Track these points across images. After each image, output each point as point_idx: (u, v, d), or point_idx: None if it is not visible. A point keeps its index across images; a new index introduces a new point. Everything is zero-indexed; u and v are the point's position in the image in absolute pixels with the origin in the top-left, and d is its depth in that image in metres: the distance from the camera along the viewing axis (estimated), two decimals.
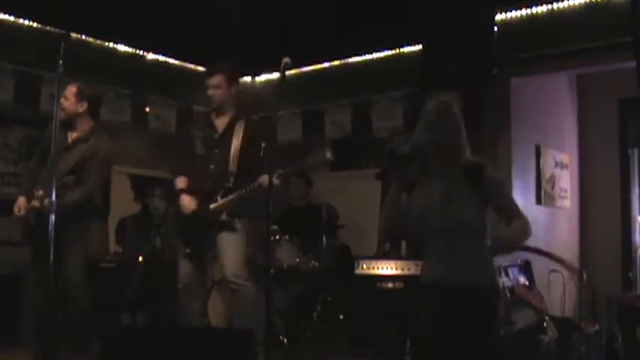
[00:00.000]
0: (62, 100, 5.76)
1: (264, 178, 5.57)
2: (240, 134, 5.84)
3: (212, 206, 5.71)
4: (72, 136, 5.91)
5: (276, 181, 5.32)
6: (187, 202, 5.77)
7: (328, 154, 5.38)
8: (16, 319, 6.20)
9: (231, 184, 5.73)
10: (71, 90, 5.86)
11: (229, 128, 5.88)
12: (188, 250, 5.87)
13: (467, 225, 3.73)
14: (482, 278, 3.74)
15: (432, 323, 3.74)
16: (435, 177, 3.86)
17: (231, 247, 5.70)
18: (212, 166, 5.80)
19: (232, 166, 5.77)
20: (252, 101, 9.62)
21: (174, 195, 6.01)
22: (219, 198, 5.71)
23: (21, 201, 5.81)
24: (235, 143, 5.81)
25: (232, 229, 5.72)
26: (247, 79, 10.08)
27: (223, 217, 5.72)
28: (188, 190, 5.84)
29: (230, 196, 5.69)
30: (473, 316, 3.64)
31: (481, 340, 3.67)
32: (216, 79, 5.84)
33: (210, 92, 5.86)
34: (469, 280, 3.68)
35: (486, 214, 3.81)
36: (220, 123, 5.93)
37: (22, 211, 5.76)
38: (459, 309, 3.64)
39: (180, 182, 5.92)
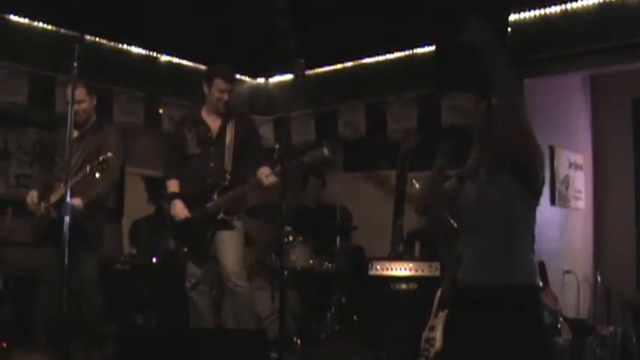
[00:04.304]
0: (77, 106, 5.80)
1: (261, 175, 5.61)
2: (233, 132, 5.88)
3: (208, 205, 5.71)
4: (75, 133, 5.94)
5: (273, 178, 5.38)
6: (179, 210, 5.79)
7: (326, 151, 5.38)
8: (30, 320, 6.22)
9: (226, 183, 5.75)
10: (81, 91, 5.86)
11: (222, 128, 5.91)
12: (185, 250, 5.90)
13: (507, 225, 3.62)
14: (522, 279, 3.63)
15: (474, 329, 3.59)
16: (487, 174, 3.74)
17: (230, 247, 5.71)
18: (212, 164, 5.82)
19: (227, 164, 5.80)
20: (265, 102, 9.67)
21: (167, 198, 6.03)
22: (215, 197, 5.73)
23: (34, 193, 5.84)
24: (229, 142, 5.84)
25: (230, 227, 5.72)
26: (261, 80, 10.10)
27: (221, 215, 5.71)
28: (181, 194, 5.86)
29: (227, 195, 5.70)
30: (516, 321, 3.52)
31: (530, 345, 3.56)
32: (233, 85, 5.97)
33: (225, 97, 5.86)
34: (508, 282, 3.57)
35: (532, 213, 3.74)
36: (213, 123, 5.94)
37: (35, 201, 5.79)
38: (502, 314, 3.51)
39: (172, 185, 5.94)
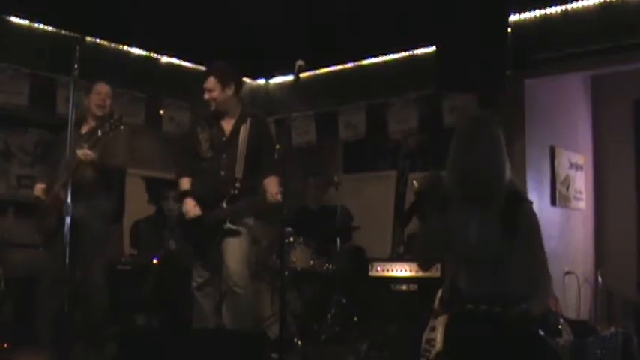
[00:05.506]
0: (106, 99, 6.10)
1: (267, 187, 5.57)
2: (246, 136, 5.78)
3: (216, 212, 5.66)
4: (85, 128, 5.98)
5: (278, 198, 5.36)
6: (191, 207, 5.73)
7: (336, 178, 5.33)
8: (32, 321, 6.24)
9: (236, 191, 5.69)
10: (107, 88, 6.11)
11: (235, 131, 5.81)
12: (192, 249, 5.89)
13: (501, 259, 3.59)
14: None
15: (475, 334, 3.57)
16: (470, 203, 3.68)
17: (235, 250, 5.65)
18: (222, 172, 5.72)
19: (238, 172, 5.71)
20: (265, 103, 9.68)
21: (179, 196, 6.00)
22: (224, 205, 5.69)
23: (40, 186, 5.88)
24: (241, 147, 5.75)
25: (236, 234, 5.70)
26: (261, 81, 10.11)
27: (227, 225, 5.66)
28: (193, 193, 5.81)
29: (234, 205, 5.66)
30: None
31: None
32: (210, 83, 5.76)
33: (205, 96, 5.78)
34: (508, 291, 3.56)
35: None
36: (226, 125, 5.84)
37: (43, 191, 5.82)
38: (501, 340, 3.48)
39: (185, 183, 5.88)
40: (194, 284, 5.84)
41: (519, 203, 3.65)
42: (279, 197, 5.38)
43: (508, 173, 3.69)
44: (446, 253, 3.96)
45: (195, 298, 5.87)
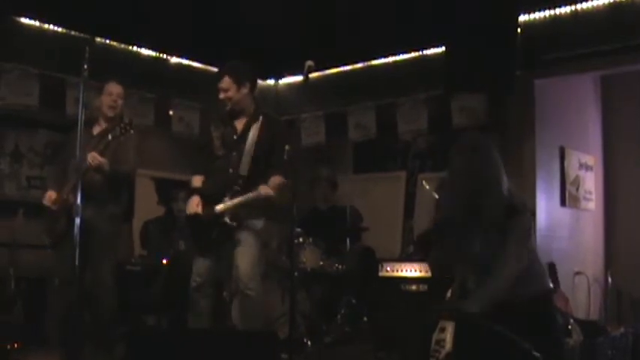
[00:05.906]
0: (118, 100, 6.09)
1: (264, 187, 5.56)
2: (255, 135, 5.76)
3: (217, 207, 5.63)
4: (97, 129, 5.99)
5: (269, 191, 5.35)
6: (192, 204, 5.73)
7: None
8: (42, 321, 6.25)
9: (239, 188, 5.66)
10: (119, 89, 6.10)
11: (246, 130, 5.79)
12: (196, 246, 5.89)
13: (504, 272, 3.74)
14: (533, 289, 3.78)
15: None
16: (471, 219, 3.85)
17: (246, 252, 5.63)
18: (230, 170, 5.70)
19: (244, 169, 5.69)
20: (275, 104, 9.68)
21: (189, 193, 5.99)
22: (226, 200, 5.67)
23: (51, 193, 5.86)
24: (249, 145, 5.73)
25: (231, 235, 5.64)
26: (270, 81, 10.11)
27: (226, 219, 5.62)
28: (202, 191, 5.79)
29: (233, 201, 5.63)
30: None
31: None
32: (224, 83, 5.75)
33: (220, 96, 5.77)
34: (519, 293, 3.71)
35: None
36: (239, 124, 5.83)
37: (53, 201, 5.81)
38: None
39: (196, 181, 5.88)
40: (193, 284, 5.79)
41: (517, 216, 3.83)
42: (269, 191, 5.44)
43: (505, 189, 3.87)
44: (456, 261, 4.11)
45: (193, 298, 5.84)
